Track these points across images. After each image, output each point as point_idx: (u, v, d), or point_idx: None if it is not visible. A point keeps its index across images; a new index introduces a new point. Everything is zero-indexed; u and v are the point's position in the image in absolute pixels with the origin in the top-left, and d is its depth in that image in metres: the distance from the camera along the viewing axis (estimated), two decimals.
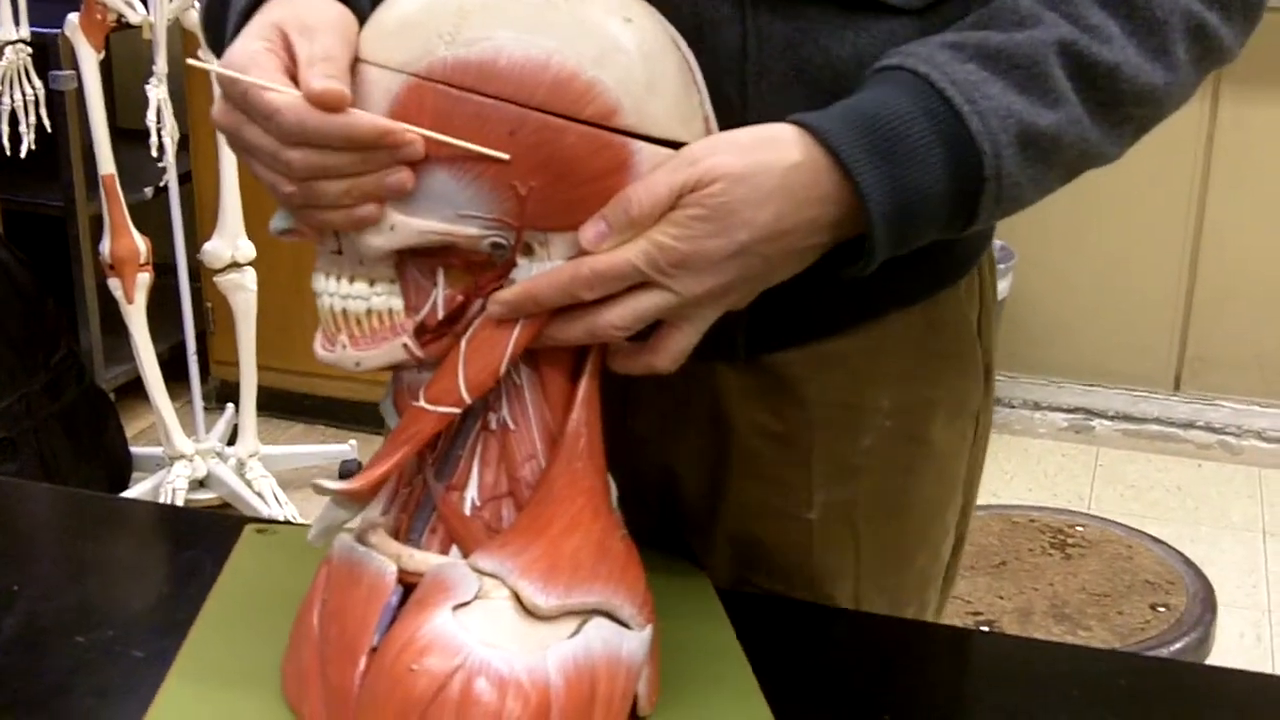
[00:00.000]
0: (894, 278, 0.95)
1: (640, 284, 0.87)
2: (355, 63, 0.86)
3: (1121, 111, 0.94)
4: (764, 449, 1.09)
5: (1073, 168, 0.95)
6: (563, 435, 0.90)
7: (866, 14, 0.97)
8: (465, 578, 0.87)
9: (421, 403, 0.89)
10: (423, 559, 0.90)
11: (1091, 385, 3.83)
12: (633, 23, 0.87)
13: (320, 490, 0.91)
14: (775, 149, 0.88)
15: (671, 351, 0.91)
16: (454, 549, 0.91)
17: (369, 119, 0.84)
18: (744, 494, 1.10)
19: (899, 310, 1.07)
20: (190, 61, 0.96)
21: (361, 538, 0.92)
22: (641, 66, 0.86)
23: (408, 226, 0.86)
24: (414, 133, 0.84)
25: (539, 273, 0.87)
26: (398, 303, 0.89)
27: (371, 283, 0.89)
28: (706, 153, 0.87)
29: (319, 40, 0.85)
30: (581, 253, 0.87)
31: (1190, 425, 3.76)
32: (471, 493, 0.91)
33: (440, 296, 0.89)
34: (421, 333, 0.90)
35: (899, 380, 1.09)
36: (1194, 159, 3.59)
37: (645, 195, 0.86)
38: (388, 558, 0.90)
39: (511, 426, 0.91)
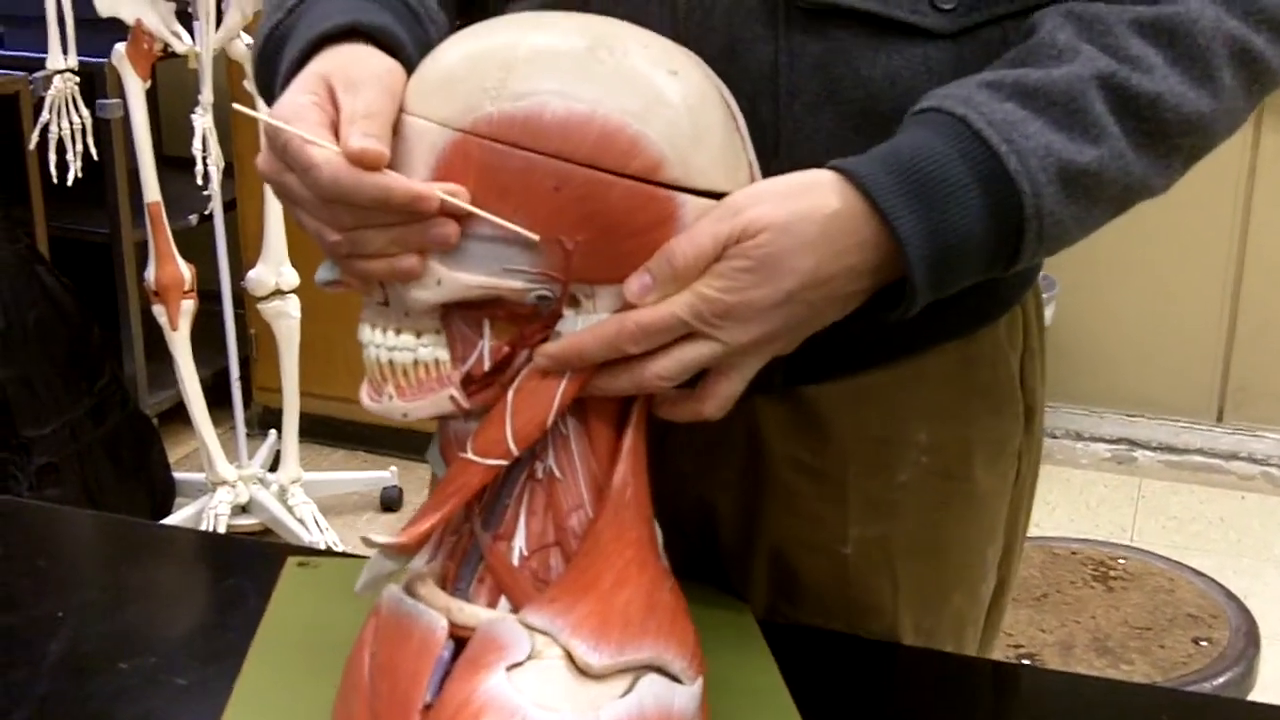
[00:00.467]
0: (932, 314, 0.94)
1: (686, 334, 0.87)
2: (401, 114, 0.86)
3: (1168, 143, 0.93)
4: (799, 482, 1.08)
5: (1119, 202, 0.94)
6: (609, 486, 0.90)
7: (899, 36, 0.97)
8: (518, 636, 0.86)
9: (469, 454, 0.89)
10: (473, 613, 0.89)
11: (1134, 416, 3.81)
12: (678, 75, 0.87)
13: (368, 543, 0.91)
14: (815, 196, 0.88)
15: (718, 398, 0.91)
16: (503, 600, 0.90)
17: (403, 183, 0.84)
18: (780, 527, 1.10)
19: (936, 346, 1.07)
20: (236, 107, 0.96)
21: (410, 588, 0.92)
22: (687, 119, 0.86)
23: (454, 281, 0.86)
24: (449, 202, 0.84)
25: (584, 327, 0.87)
26: (444, 354, 0.89)
27: (418, 334, 0.89)
28: (749, 203, 0.87)
29: (363, 95, 0.86)
30: (627, 305, 0.87)
31: (1233, 457, 3.74)
32: (519, 542, 0.91)
33: (486, 348, 0.89)
34: (468, 383, 0.90)
35: (935, 417, 1.09)
36: (1236, 189, 3.57)
37: (689, 248, 0.86)
38: (438, 611, 0.89)
39: (558, 476, 0.91)
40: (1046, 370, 1.18)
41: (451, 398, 0.89)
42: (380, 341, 0.90)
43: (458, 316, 0.89)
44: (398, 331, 0.89)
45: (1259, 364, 3.73)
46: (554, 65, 0.85)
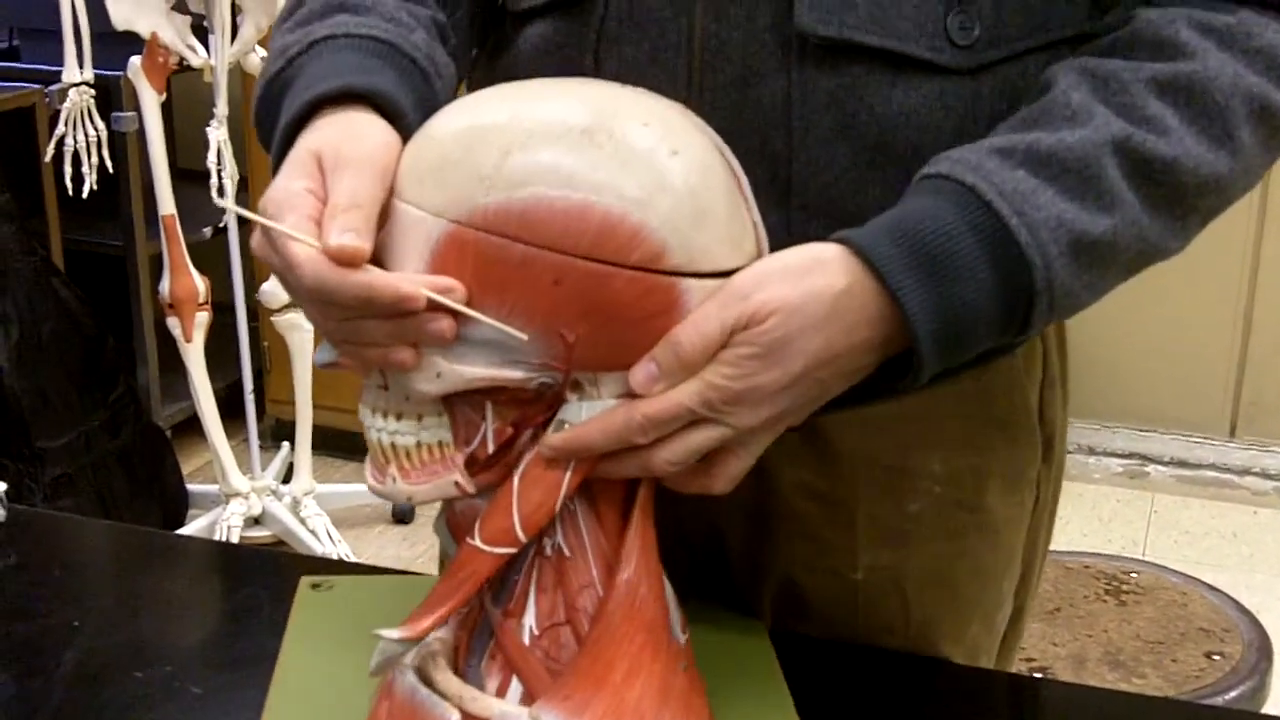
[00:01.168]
0: None
1: (694, 420, 0.86)
2: (394, 200, 0.84)
3: (1184, 204, 0.92)
4: (809, 508, 1.07)
5: (1132, 267, 0.93)
6: (619, 563, 0.89)
7: (915, 72, 0.95)
8: None
9: (477, 543, 0.88)
10: (485, 706, 0.88)
11: (1147, 431, 3.81)
12: (679, 155, 0.83)
13: (378, 637, 0.90)
14: (823, 274, 0.86)
15: (727, 477, 0.90)
16: (514, 682, 0.89)
17: (387, 281, 0.81)
18: (789, 551, 1.09)
19: (950, 378, 1.03)
20: (231, 207, 0.96)
21: (423, 671, 0.91)
22: (689, 204, 0.83)
23: (455, 374, 0.85)
24: (437, 300, 0.81)
25: (590, 417, 0.86)
26: (447, 435, 0.88)
27: (419, 418, 0.88)
28: (755, 286, 0.85)
29: (348, 181, 0.84)
30: (631, 391, 0.86)
31: (1246, 472, 3.73)
32: (529, 620, 0.90)
33: (490, 430, 0.88)
34: (471, 464, 0.88)
35: (949, 447, 1.07)
36: (1250, 204, 3.57)
37: (696, 336, 0.84)
38: (450, 703, 0.89)
39: (567, 554, 0.90)
40: (1069, 396, 1.16)
41: (456, 483, 0.88)
42: (382, 425, 0.88)
43: (460, 399, 0.87)
44: (399, 416, 0.88)
45: (1272, 379, 3.72)
46: (551, 152, 0.81)
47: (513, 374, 0.85)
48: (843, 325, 0.86)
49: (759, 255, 0.88)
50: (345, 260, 0.81)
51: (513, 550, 0.88)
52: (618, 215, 0.81)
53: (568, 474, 0.87)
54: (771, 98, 0.96)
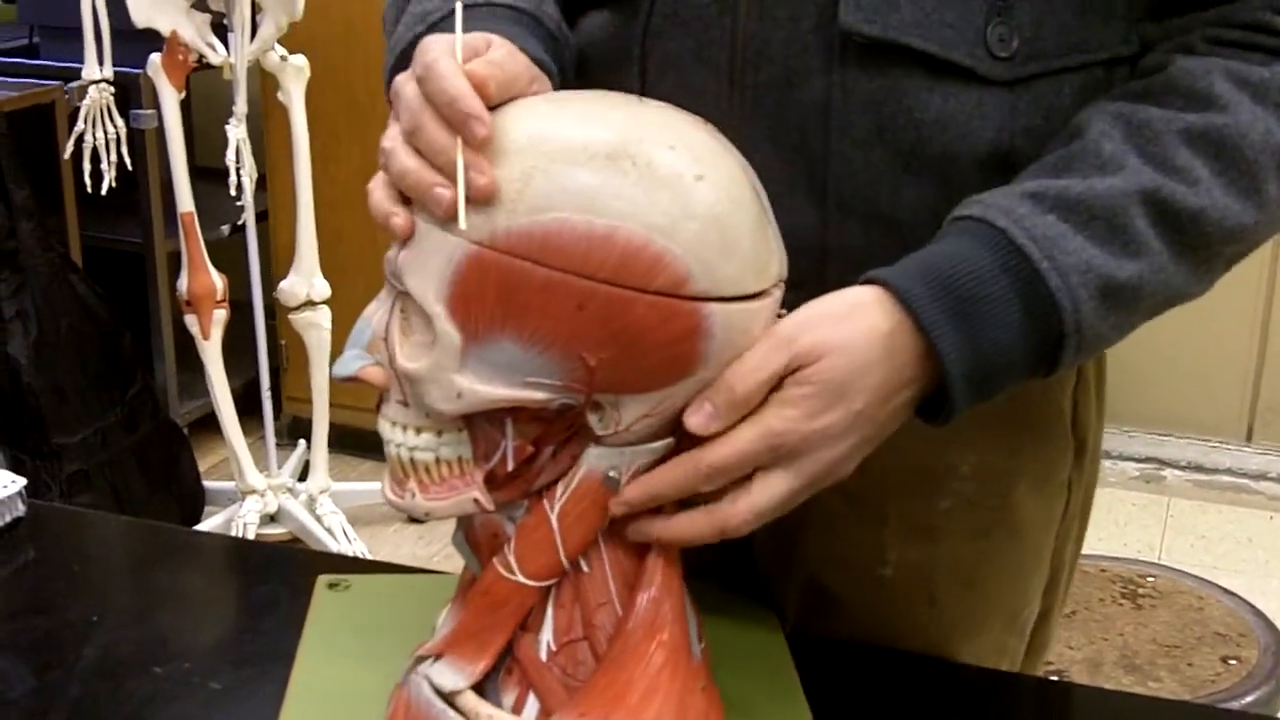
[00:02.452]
0: None
1: (759, 470, 0.88)
2: (418, 218, 0.84)
3: (1208, 252, 0.93)
4: (838, 505, 1.07)
5: (1156, 309, 0.95)
6: (640, 581, 0.89)
7: (955, 79, 0.96)
8: None
9: (520, 578, 0.88)
10: None
11: (1163, 435, 3.80)
12: (704, 180, 0.82)
13: (438, 690, 0.91)
14: (866, 316, 0.88)
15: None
16: (531, 698, 0.89)
17: (469, 97, 0.82)
18: (817, 547, 1.10)
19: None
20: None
21: (438, 684, 0.91)
22: (714, 230, 0.82)
23: (475, 394, 0.84)
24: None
25: (658, 472, 0.87)
26: (467, 450, 0.88)
27: (439, 433, 0.87)
28: (801, 330, 0.87)
29: (497, 52, 0.87)
30: (658, 410, 0.86)
31: (1262, 476, 3.72)
32: (546, 636, 0.90)
33: (510, 448, 0.87)
34: (491, 481, 0.88)
35: (979, 448, 1.08)
36: None
37: (750, 379, 0.85)
38: (466, 719, 0.89)
39: (585, 570, 0.89)
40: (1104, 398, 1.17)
41: (475, 499, 0.87)
42: (401, 440, 0.88)
43: (480, 416, 0.87)
44: (418, 431, 0.87)
45: None
46: (574, 177, 0.81)
47: (534, 395, 0.84)
48: (894, 364, 0.88)
49: (782, 278, 0.88)
50: (474, 81, 0.83)
51: (557, 579, 0.89)
52: (641, 241, 0.80)
53: (611, 511, 0.88)
54: (812, 98, 0.97)
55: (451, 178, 0.81)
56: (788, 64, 0.97)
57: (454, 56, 0.84)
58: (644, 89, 1.00)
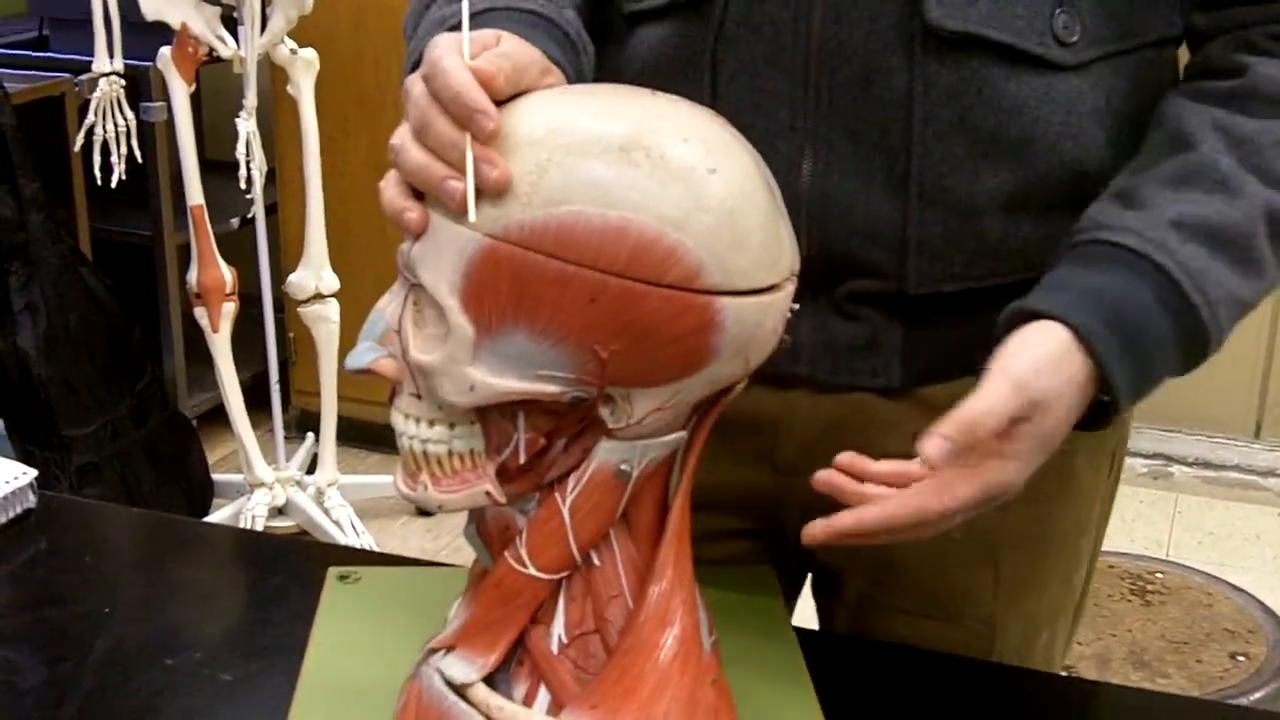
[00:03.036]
0: None
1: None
2: (431, 212, 0.84)
3: None
4: None
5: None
6: (651, 574, 0.89)
7: (1027, 67, 1.01)
8: None
9: (532, 571, 0.88)
10: (513, 714, 0.89)
11: (1171, 431, 3.80)
12: (717, 173, 0.82)
13: (449, 681, 0.91)
14: (1072, 363, 0.94)
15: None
16: (542, 690, 0.90)
17: (474, 90, 0.82)
18: None
19: None
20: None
21: (449, 676, 0.91)
22: (726, 223, 0.82)
23: (488, 387, 0.84)
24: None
25: (877, 508, 0.92)
26: (479, 443, 0.87)
27: (451, 426, 0.87)
28: (1033, 377, 0.92)
29: (508, 44, 0.87)
30: (670, 403, 0.86)
31: (1270, 473, 3.71)
32: (558, 629, 0.90)
33: (522, 440, 0.87)
34: (503, 473, 0.88)
35: None
36: None
37: (990, 422, 0.90)
38: (478, 713, 0.89)
39: (597, 563, 0.89)
40: None
41: (487, 493, 0.87)
42: (414, 433, 0.88)
43: (492, 408, 0.86)
44: (430, 423, 0.87)
45: None
46: (587, 169, 0.81)
47: (546, 388, 0.84)
48: (1080, 407, 0.95)
49: (794, 272, 0.88)
50: (481, 77, 0.83)
51: (569, 571, 0.89)
52: (654, 234, 0.80)
53: (624, 500, 0.87)
54: (893, 93, 1.01)
55: (462, 172, 0.81)
56: (866, 62, 1.00)
57: (459, 53, 0.84)
58: (715, 96, 1.03)
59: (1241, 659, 2.11)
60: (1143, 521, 3.55)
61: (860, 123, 1.02)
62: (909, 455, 1.09)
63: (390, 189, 0.86)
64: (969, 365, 1.05)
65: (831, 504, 1.12)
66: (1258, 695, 2.03)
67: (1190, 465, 3.76)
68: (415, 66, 0.89)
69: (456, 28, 0.96)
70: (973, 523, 1.10)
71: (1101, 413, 0.97)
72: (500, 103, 0.84)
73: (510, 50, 0.86)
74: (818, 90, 1.02)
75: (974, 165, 1.02)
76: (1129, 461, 3.86)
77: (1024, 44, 1.01)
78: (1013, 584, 1.15)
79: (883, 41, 1.00)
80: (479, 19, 0.95)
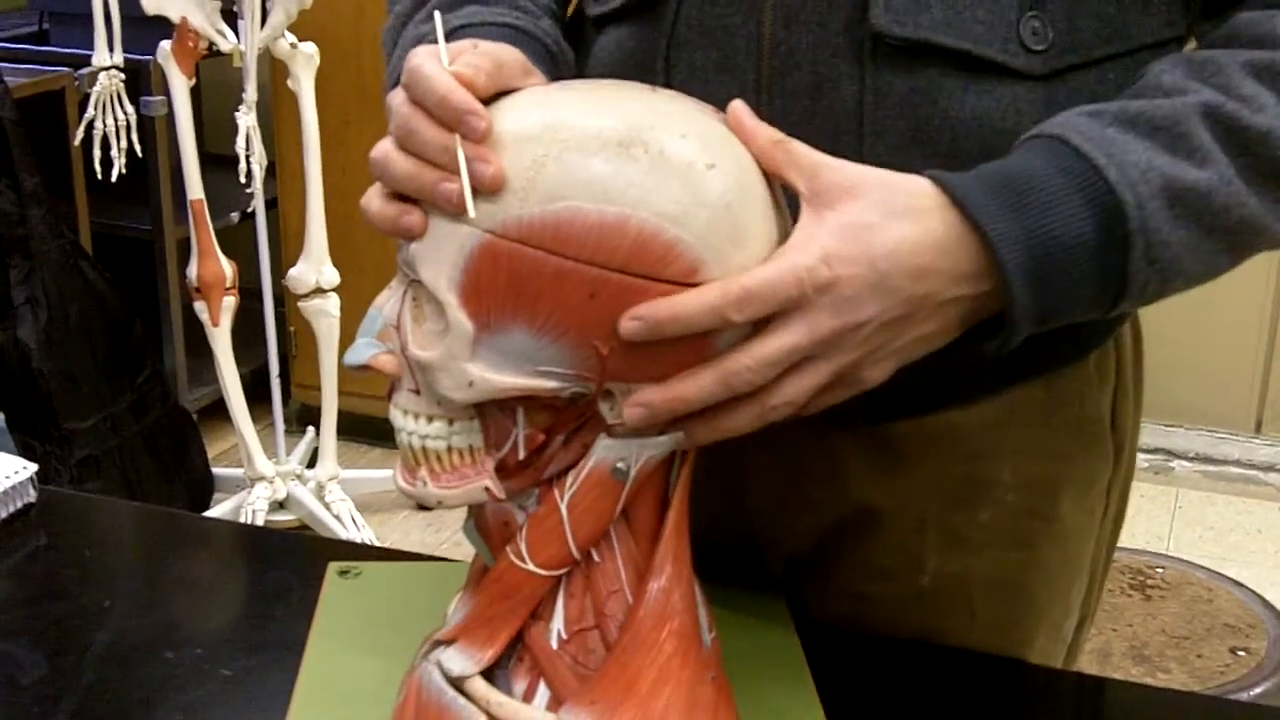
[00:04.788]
0: (1016, 350, 0.89)
1: (794, 366, 0.84)
2: (428, 209, 0.84)
3: None
4: (878, 517, 1.07)
5: (1235, 238, 0.89)
6: (650, 570, 0.89)
7: (988, 76, 0.94)
8: None
9: (531, 567, 0.88)
10: (512, 710, 0.89)
11: (1172, 426, 3.80)
12: (715, 168, 0.82)
13: (448, 675, 0.90)
14: (909, 184, 0.86)
15: (822, 404, 0.87)
16: (541, 686, 0.89)
17: (459, 92, 0.82)
18: (856, 555, 1.10)
19: (1021, 384, 1.04)
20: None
21: (448, 671, 0.91)
22: (725, 218, 0.82)
23: (487, 383, 0.84)
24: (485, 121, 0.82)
25: (683, 377, 0.83)
26: (478, 439, 0.87)
27: (450, 421, 0.87)
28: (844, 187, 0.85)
29: (486, 46, 0.87)
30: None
31: (1271, 468, 3.71)
32: (557, 624, 0.90)
33: (521, 436, 0.87)
34: (502, 469, 0.88)
35: (1021, 455, 1.06)
36: None
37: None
38: (477, 708, 0.89)
39: (596, 559, 0.89)
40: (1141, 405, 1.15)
41: (487, 489, 0.87)
42: (413, 428, 0.87)
43: (491, 404, 0.86)
44: (429, 419, 0.87)
45: None
46: (586, 165, 0.80)
47: (545, 384, 0.84)
48: (922, 227, 0.84)
49: None
50: (462, 80, 0.82)
51: (569, 568, 0.89)
52: (653, 230, 0.80)
53: (621, 499, 0.87)
54: (844, 103, 0.95)
55: (453, 173, 0.81)
56: (816, 70, 0.95)
57: (439, 59, 0.84)
58: None
59: (1242, 654, 2.11)
60: (1143, 516, 3.56)
61: (811, 132, 0.91)
62: (875, 494, 1.06)
63: (376, 202, 0.85)
64: (937, 402, 1.03)
65: (809, 546, 1.12)
66: (1258, 690, 2.03)
67: (1191, 460, 3.76)
68: (397, 83, 0.89)
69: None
70: (947, 567, 1.08)
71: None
72: (493, 101, 0.84)
73: (487, 49, 0.86)
74: (769, 97, 0.96)
75: None
76: None
77: (983, 51, 0.93)
78: (991, 632, 1.10)
79: (831, 49, 0.94)
80: (456, 35, 0.95)
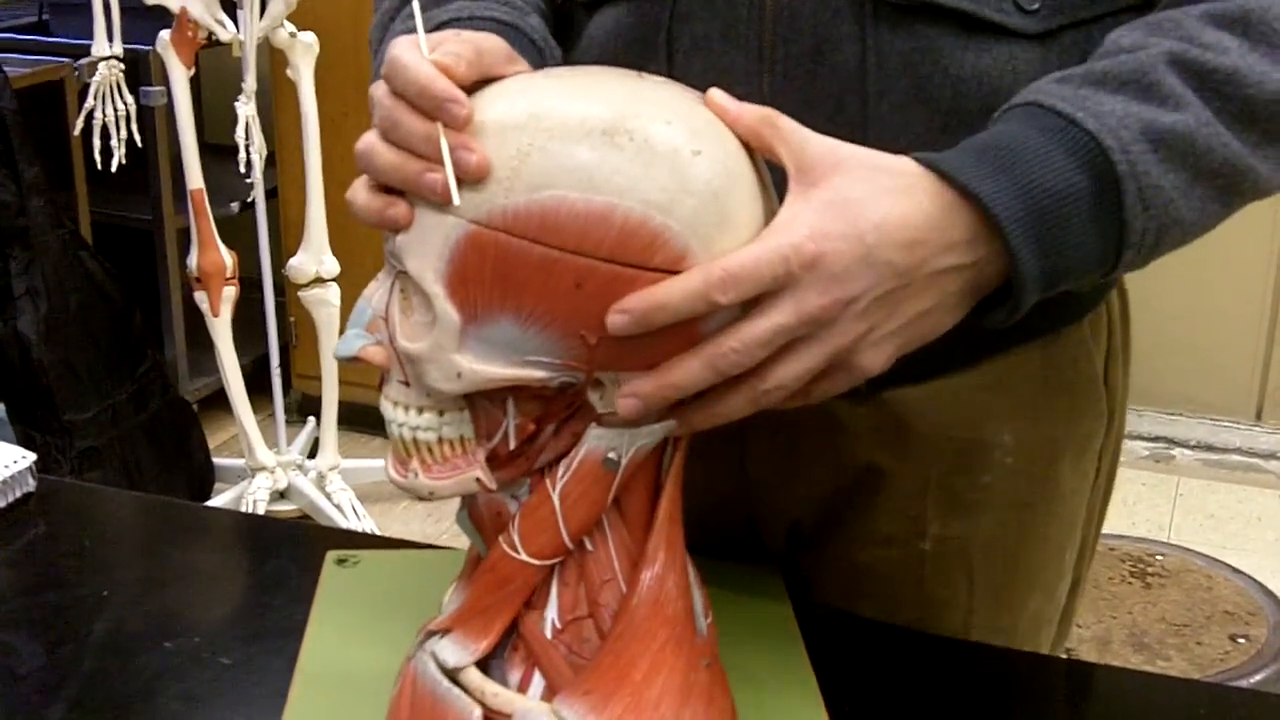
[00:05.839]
0: None
1: (788, 345, 0.83)
2: (414, 199, 0.84)
3: (1260, 127, 0.89)
4: (880, 482, 1.08)
5: (1225, 181, 0.89)
6: (644, 558, 0.89)
7: (986, 35, 0.96)
8: None
9: (523, 557, 0.88)
10: (507, 700, 0.89)
11: (1173, 414, 3.80)
12: (702, 154, 0.81)
13: (442, 666, 0.90)
14: (891, 163, 0.85)
15: (822, 392, 0.86)
16: (536, 676, 0.89)
17: (439, 80, 0.82)
18: (857, 523, 1.10)
19: (1019, 347, 1.06)
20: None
21: (443, 662, 0.91)
22: (712, 205, 0.81)
23: (475, 374, 0.84)
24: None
25: (662, 293, 0.81)
26: (468, 430, 0.87)
27: (440, 413, 0.87)
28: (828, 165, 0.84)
29: (469, 34, 0.87)
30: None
31: (1272, 456, 3.72)
32: (551, 613, 0.89)
33: (512, 426, 0.87)
34: (493, 459, 0.87)
35: (1019, 418, 1.08)
36: None
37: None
38: (472, 698, 0.89)
39: (589, 548, 0.89)
40: (1130, 369, 1.17)
41: (478, 479, 0.87)
42: (403, 420, 0.87)
43: (481, 395, 0.86)
44: (420, 410, 0.87)
45: None
46: (570, 154, 0.80)
47: (534, 374, 0.84)
48: (912, 201, 0.84)
49: None
50: (441, 68, 0.82)
51: (561, 558, 0.89)
52: (639, 218, 0.79)
53: (613, 488, 0.87)
54: (846, 64, 0.96)
55: (437, 163, 0.81)
56: (818, 33, 0.96)
57: (418, 50, 0.84)
58: (671, 73, 0.99)
59: (1242, 641, 2.11)
60: (1144, 504, 3.56)
61: (815, 95, 0.96)
62: (876, 460, 1.08)
63: (362, 194, 0.85)
64: (938, 366, 1.03)
65: (811, 514, 1.12)
66: (1258, 678, 2.03)
67: (1192, 448, 3.76)
68: None
69: None
70: (948, 531, 1.09)
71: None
72: (477, 90, 0.84)
73: (468, 37, 0.86)
74: (772, 64, 0.98)
75: (933, 139, 0.93)
76: (1130, 445, 3.88)
77: (980, 11, 0.95)
78: (988, 595, 1.12)
79: (832, 10, 0.96)
80: (445, 29, 0.95)
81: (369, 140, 0.85)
